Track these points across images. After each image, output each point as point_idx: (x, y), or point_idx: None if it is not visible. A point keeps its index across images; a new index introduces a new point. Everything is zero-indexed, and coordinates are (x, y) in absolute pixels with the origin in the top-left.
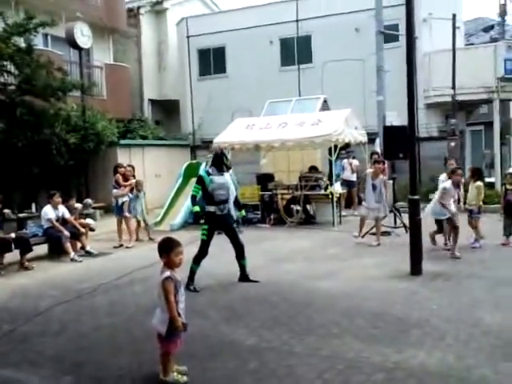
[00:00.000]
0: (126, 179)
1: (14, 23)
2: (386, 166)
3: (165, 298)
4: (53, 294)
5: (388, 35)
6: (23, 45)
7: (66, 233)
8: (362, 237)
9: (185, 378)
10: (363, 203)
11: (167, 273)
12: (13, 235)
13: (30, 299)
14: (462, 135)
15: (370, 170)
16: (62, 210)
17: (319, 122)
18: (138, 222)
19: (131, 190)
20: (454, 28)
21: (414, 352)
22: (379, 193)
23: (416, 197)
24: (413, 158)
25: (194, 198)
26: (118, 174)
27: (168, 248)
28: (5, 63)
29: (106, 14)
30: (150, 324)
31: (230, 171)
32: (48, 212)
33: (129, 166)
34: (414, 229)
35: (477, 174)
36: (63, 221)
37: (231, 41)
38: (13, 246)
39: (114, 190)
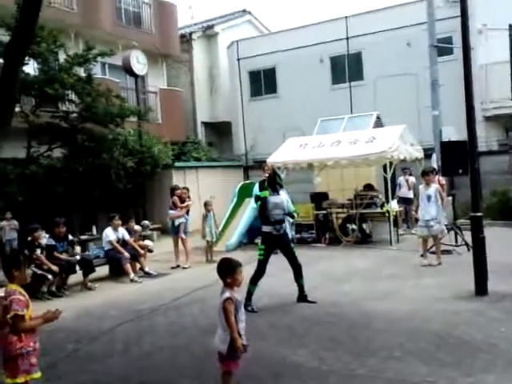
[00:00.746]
0: (182, 201)
1: (74, 54)
2: (441, 178)
3: (225, 319)
4: (115, 315)
5: (441, 48)
6: (83, 74)
7: (126, 254)
8: (422, 255)
9: None
10: (419, 222)
11: (227, 293)
12: (78, 257)
13: (94, 319)
14: None
15: (421, 185)
16: (122, 232)
17: (373, 139)
18: (209, 243)
19: (187, 212)
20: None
21: (483, 377)
22: (435, 205)
23: (479, 214)
24: (474, 173)
25: (262, 208)
26: (175, 196)
27: (232, 268)
28: (67, 92)
29: (160, 40)
30: (212, 344)
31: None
32: (109, 234)
33: (184, 188)
34: (478, 247)
35: None
36: (123, 242)
37: (281, 61)
38: (77, 268)
39: (171, 212)
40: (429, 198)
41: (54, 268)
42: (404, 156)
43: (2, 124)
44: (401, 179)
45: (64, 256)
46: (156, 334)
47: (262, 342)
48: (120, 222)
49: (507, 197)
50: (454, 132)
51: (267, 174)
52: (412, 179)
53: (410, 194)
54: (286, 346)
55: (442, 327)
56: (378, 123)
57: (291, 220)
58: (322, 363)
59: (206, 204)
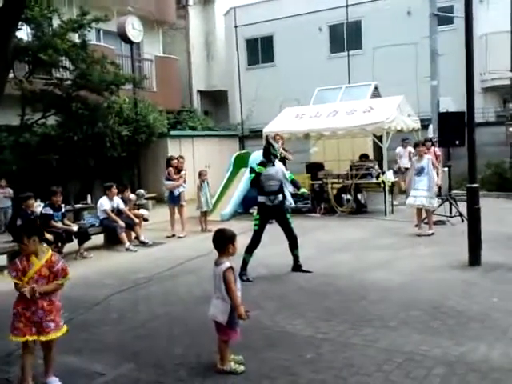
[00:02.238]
0: (178, 170)
1: (68, 20)
2: (437, 149)
3: (228, 288)
4: (110, 284)
5: (441, 18)
6: (78, 40)
7: (121, 223)
8: (416, 226)
9: (242, 368)
10: (411, 192)
11: (227, 263)
12: (75, 228)
13: (89, 288)
14: None
15: (415, 157)
16: (117, 201)
17: (371, 109)
18: (205, 213)
19: (184, 181)
20: None
21: (475, 345)
22: (427, 176)
23: (475, 185)
24: (472, 144)
25: (255, 181)
26: (171, 167)
27: (230, 238)
28: (61, 59)
29: (155, 6)
30: (207, 315)
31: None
32: (104, 203)
33: (180, 157)
34: (473, 218)
35: None
36: (118, 211)
37: (279, 29)
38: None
39: (167, 182)
40: (421, 169)
41: (49, 237)
42: (401, 127)
43: None
44: (400, 149)
45: (60, 225)
46: (151, 303)
47: (258, 311)
48: (115, 191)
49: (502, 168)
50: (452, 103)
51: (279, 144)
52: (411, 149)
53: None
54: (281, 316)
55: (436, 297)
56: (376, 93)
57: (301, 191)
58: (317, 332)
59: (200, 174)
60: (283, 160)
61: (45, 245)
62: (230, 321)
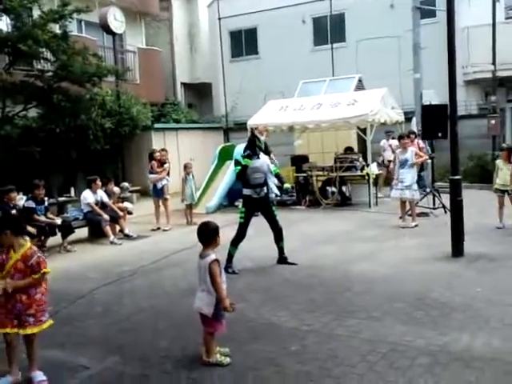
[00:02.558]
0: (161, 163)
1: (49, 10)
2: (420, 142)
3: (213, 280)
4: (94, 277)
5: (424, 11)
6: (59, 31)
7: (106, 216)
8: (400, 218)
9: (228, 360)
10: (394, 185)
11: (213, 255)
12: (59, 221)
13: (73, 282)
14: (502, 113)
15: (398, 150)
16: (101, 194)
17: (355, 102)
18: (190, 206)
19: (168, 174)
20: (494, 1)
21: (458, 335)
22: (411, 169)
23: (457, 177)
24: (454, 137)
25: (242, 173)
26: (154, 161)
27: (215, 231)
28: (41, 50)
29: None
30: (193, 308)
31: (272, 155)
32: (87, 196)
33: (162, 150)
34: (456, 210)
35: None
36: (102, 204)
37: (263, 21)
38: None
39: (151, 175)
40: (405, 161)
41: (31, 230)
42: (385, 119)
43: None
44: (384, 142)
45: (43, 218)
46: (136, 296)
47: (243, 303)
48: (99, 184)
49: (484, 160)
50: (435, 95)
51: (263, 137)
52: (395, 142)
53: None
54: (266, 308)
55: (420, 288)
56: (360, 86)
57: (285, 186)
58: (302, 324)
59: (185, 166)
60: (268, 152)
61: (27, 238)
62: (216, 313)
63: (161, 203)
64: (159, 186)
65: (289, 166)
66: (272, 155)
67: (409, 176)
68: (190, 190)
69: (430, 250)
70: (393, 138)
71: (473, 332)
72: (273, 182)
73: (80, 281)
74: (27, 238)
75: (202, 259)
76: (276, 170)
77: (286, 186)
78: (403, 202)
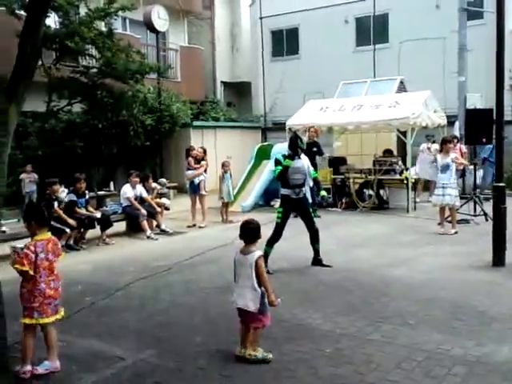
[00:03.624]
0: (198, 161)
1: (95, 8)
2: (462, 146)
3: (260, 275)
4: (131, 270)
5: (471, 12)
6: (104, 29)
7: (143, 211)
8: (439, 224)
9: (271, 356)
10: (435, 190)
11: (259, 251)
12: (98, 215)
13: (111, 274)
14: None
15: (439, 154)
16: (140, 190)
17: (396, 104)
18: (226, 204)
19: (205, 170)
20: None
21: (497, 347)
22: (452, 174)
23: (501, 184)
24: (500, 142)
25: (282, 174)
26: (190, 158)
27: (260, 228)
28: (87, 47)
29: None
30: (232, 305)
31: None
32: (127, 191)
33: (200, 148)
34: (499, 217)
35: None
36: (140, 200)
37: (305, 21)
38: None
39: (188, 172)
40: (447, 166)
41: (72, 222)
42: (426, 123)
43: (26, 76)
44: (424, 146)
45: (84, 211)
46: (171, 290)
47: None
48: (137, 179)
49: None
50: (480, 100)
51: (311, 138)
52: (435, 146)
53: None
54: (300, 309)
55: (458, 296)
56: (402, 88)
57: (322, 193)
58: (336, 327)
59: (223, 164)
60: (321, 153)
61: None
62: (262, 308)
63: (197, 200)
64: (196, 182)
65: (326, 167)
66: (320, 158)
67: (451, 181)
68: (227, 188)
69: (470, 257)
70: (433, 142)
71: None
72: (308, 185)
73: (117, 273)
74: (67, 230)
75: (246, 255)
76: (315, 174)
77: (323, 193)
78: (442, 208)
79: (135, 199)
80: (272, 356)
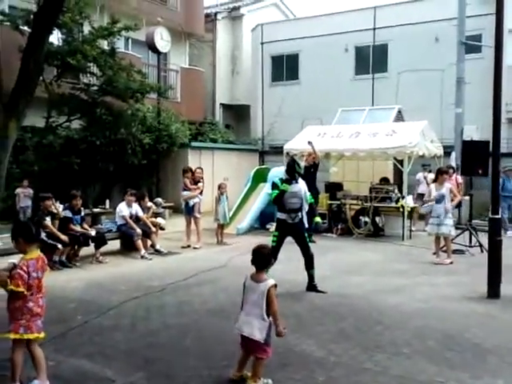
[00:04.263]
0: (195, 182)
1: (99, 27)
2: (458, 177)
3: (272, 306)
4: (124, 289)
5: (469, 46)
6: (106, 47)
7: (138, 230)
8: (434, 253)
9: (271, 382)
10: (430, 220)
11: (272, 280)
12: (93, 232)
13: (104, 292)
14: None
15: (432, 184)
16: (136, 208)
17: (393, 132)
18: (221, 226)
19: (201, 192)
20: None
21: (492, 380)
22: (446, 204)
23: (497, 216)
24: (496, 174)
25: (279, 198)
26: (186, 178)
27: (272, 253)
28: (89, 64)
29: (184, 18)
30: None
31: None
32: (122, 209)
33: (198, 168)
34: (494, 249)
35: None
36: (136, 218)
37: (305, 48)
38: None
39: (184, 192)
40: (442, 197)
41: (64, 238)
42: (423, 152)
43: (27, 92)
44: (420, 175)
45: (78, 228)
46: (164, 311)
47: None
48: (133, 198)
49: None
50: (476, 131)
51: (308, 163)
52: (431, 176)
53: None
54: (294, 335)
55: (452, 327)
56: (399, 117)
57: (316, 220)
58: (330, 354)
59: (220, 186)
60: (314, 171)
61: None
62: (267, 338)
63: (192, 221)
64: (191, 203)
65: (323, 192)
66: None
67: (444, 210)
68: (223, 209)
69: (465, 288)
70: (429, 172)
71: (508, 377)
72: (305, 210)
73: (110, 292)
74: (59, 246)
75: (258, 283)
76: (311, 199)
77: (317, 219)
78: (438, 238)
79: (130, 218)
80: (271, 382)
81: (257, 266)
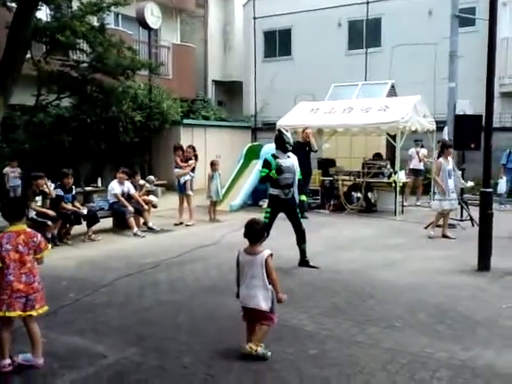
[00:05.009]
0: (186, 159)
1: (88, 2)
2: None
3: (270, 274)
4: (117, 267)
5: (463, 19)
6: (96, 24)
7: (130, 208)
8: (425, 228)
9: (270, 354)
10: (436, 195)
11: (268, 250)
12: (85, 211)
13: (96, 270)
14: None
15: (441, 159)
16: (128, 186)
17: (386, 108)
18: (214, 203)
19: (192, 170)
20: None
21: (482, 351)
22: (455, 179)
23: (489, 189)
24: (488, 148)
25: (265, 180)
26: (177, 156)
27: (265, 228)
28: (78, 41)
29: None
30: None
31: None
32: (114, 187)
33: (189, 146)
34: (485, 223)
35: None
36: (128, 196)
37: (298, 23)
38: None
39: (176, 170)
40: (451, 171)
41: (51, 213)
42: (416, 127)
43: (14, 68)
44: (412, 150)
45: (70, 206)
46: (157, 288)
47: None
48: (124, 175)
49: None
50: (469, 106)
51: (303, 138)
52: (423, 151)
53: (421, 166)
54: (286, 310)
55: (443, 301)
56: (392, 92)
57: (301, 198)
58: (322, 328)
59: (212, 163)
60: (308, 152)
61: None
62: (272, 306)
63: (184, 198)
64: (182, 181)
65: (315, 169)
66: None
67: (454, 185)
68: (216, 187)
69: (456, 262)
70: (422, 147)
71: (497, 349)
72: (296, 186)
73: (103, 270)
74: (49, 223)
75: (254, 255)
76: (300, 176)
77: (303, 198)
78: (442, 214)
79: (123, 195)
80: (271, 354)
81: (250, 239)
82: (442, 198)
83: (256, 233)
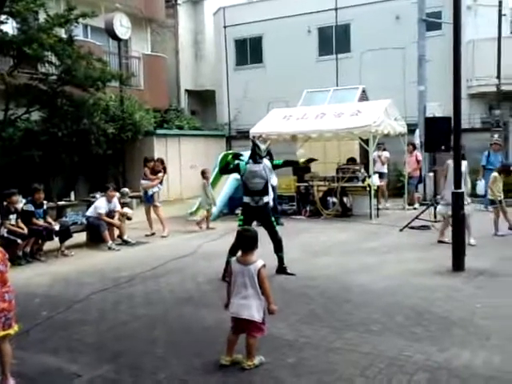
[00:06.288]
0: (155, 172)
1: (55, 14)
2: (418, 154)
3: (264, 285)
4: (91, 282)
5: (430, 23)
6: (64, 36)
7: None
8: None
9: (262, 357)
10: (441, 200)
11: (261, 261)
12: (57, 227)
13: (70, 286)
14: (506, 127)
15: (450, 160)
16: (115, 203)
17: (358, 112)
18: (207, 211)
19: (160, 182)
20: (500, 15)
21: (458, 352)
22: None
23: (460, 190)
24: (458, 149)
25: (224, 168)
26: (146, 168)
27: (257, 236)
28: (46, 54)
29: (144, 4)
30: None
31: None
32: (102, 206)
33: (158, 159)
34: (458, 223)
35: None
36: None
37: (268, 30)
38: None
39: (143, 181)
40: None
41: (22, 231)
42: (388, 131)
43: None
44: (374, 154)
45: (41, 222)
46: (132, 302)
47: None
48: (115, 193)
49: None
50: (438, 108)
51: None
52: (385, 154)
53: (384, 169)
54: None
55: (420, 302)
56: (364, 97)
57: (275, 162)
58: (300, 336)
59: (203, 172)
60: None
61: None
62: (264, 316)
63: (152, 210)
64: (150, 192)
65: (290, 175)
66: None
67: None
68: (211, 194)
69: (431, 263)
70: (383, 150)
71: (473, 349)
72: (271, 185)
73: (77, 286)
74: (19, 241)
75: (249, 265)
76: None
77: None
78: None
79: (108, 213)
80: (264, 359)
81: (243, 248)
82: (447, 202)
83: (248, 241)
